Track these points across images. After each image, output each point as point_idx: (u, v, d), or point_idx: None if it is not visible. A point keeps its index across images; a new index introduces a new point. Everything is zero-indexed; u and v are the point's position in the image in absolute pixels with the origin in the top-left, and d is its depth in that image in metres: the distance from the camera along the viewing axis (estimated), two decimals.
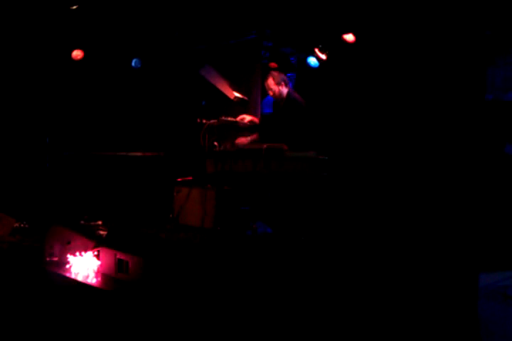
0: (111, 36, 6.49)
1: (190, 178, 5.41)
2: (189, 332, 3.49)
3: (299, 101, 5.36)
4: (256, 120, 5.50)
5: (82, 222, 5.73)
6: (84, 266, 4.36)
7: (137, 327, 3.61)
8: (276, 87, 5.37)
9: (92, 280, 4.20)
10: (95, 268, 4.34)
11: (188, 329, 3.51)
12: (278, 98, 5.45)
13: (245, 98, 5.80)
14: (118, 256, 4.20)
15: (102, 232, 5.20)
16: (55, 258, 4.63)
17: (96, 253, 4.42)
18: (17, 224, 5.61)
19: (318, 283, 3.93)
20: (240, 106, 5.79)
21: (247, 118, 5.39)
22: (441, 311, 3.82)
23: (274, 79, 5.38)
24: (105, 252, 4.36)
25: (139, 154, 6.64)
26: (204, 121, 5.26)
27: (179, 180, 5.42)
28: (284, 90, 5.40)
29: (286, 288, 3.84)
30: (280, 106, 5.46)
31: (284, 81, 5.40)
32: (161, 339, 3.52)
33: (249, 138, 5.39)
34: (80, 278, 4.21)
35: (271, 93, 5.46)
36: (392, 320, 3.61)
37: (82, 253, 4.42)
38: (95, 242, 4.49)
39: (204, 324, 3.50)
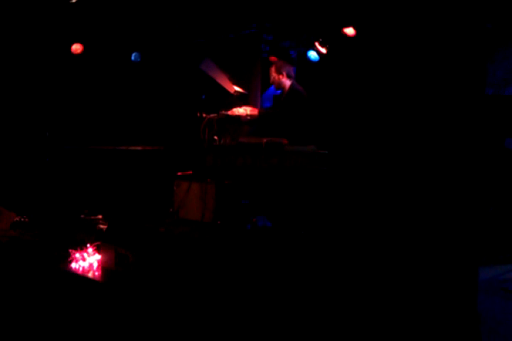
0: (110, 30, 6.47)
1: (190, 172, 5.41)
2: (188, 326, 3.50)
3: (301, 93, 5.37)
4: (255, 112, 5.45)
5: (82, 216, 5.73)
6: (84, 260, 4.37)
7: (137, 320, 3.62)
8: (276, 74, 5.45)
9: (93, 274, 4.22)
10: (95, 262, 4.36)
11: (187, 322, 3.52)
12: (277, 86, 5.51)
13: (245, 92, 5.78)
14: (118, 250, 4.21)
15: (102, 226, 5.21)
16: None
17: (96, 247, 4.43)
18: (17, 218, 5.62)
19: (318, 278, 3.94)
20: (240, 101, 5.76)
21: (240, 110, 5.34)
22: (441, 305, 3.83)
23: (275, 66, 5.50)
24: (105, 246, 4.37)
25: (139, 148, 6.63)
26: (204, 115, 5.26)
27: (179, 174, 5.41)
28: (287, 82, 5.45)
29: (285, 282, 3.85)
30: (282, 97, 5.48)
31: (287, 72, 5.45)
32: (160, 332, 3.53)
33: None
34: (80, 272, 4.23)
35: (271, 79, 5.54)
36: (391, 315, 3.62)
37: (83, 247, 4.44)
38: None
39: (203, 317, 3.52)
